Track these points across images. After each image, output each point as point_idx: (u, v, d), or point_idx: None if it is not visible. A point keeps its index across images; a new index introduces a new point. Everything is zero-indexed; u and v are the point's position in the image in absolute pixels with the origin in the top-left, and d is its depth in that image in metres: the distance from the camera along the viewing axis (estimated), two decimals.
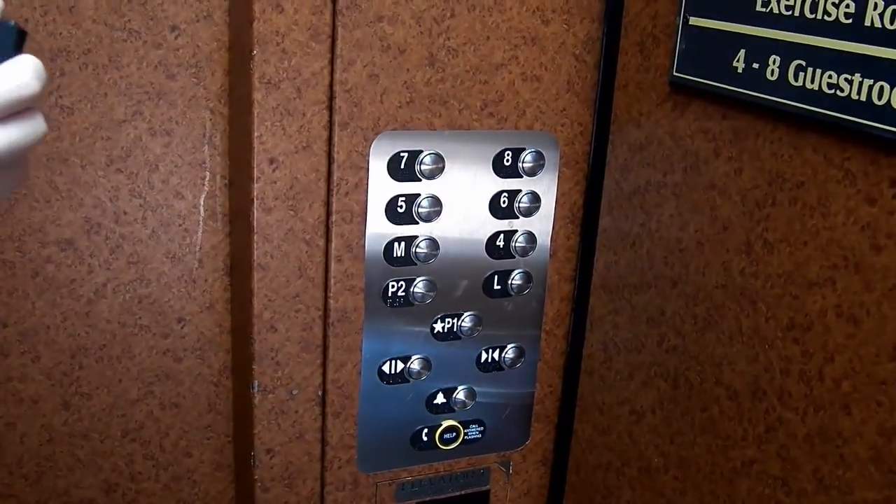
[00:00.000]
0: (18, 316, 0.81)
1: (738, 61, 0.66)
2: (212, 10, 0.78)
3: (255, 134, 0.73)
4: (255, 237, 0.75)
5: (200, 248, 0.84)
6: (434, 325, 0.84)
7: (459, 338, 0.85)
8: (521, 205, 0.83)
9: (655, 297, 0.77)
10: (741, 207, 0.67)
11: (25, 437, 0.84)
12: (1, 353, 0.81)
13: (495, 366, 0.88)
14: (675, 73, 0.72)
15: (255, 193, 0.74)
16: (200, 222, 0.84)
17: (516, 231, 0.84)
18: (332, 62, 0.73)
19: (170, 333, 0.86)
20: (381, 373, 0.83)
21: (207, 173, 0.82)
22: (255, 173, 0.74)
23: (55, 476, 0.86)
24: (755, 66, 0.64)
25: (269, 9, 0.70)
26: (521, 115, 0.80)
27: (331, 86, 0.74)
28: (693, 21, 0.70)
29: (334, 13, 0.72)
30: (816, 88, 0.59)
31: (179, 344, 0.86)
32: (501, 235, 0.83)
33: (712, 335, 0.71)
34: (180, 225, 0.83)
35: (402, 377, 0.84)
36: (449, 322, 0.84)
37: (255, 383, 0.80)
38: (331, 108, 0.74)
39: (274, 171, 0.74)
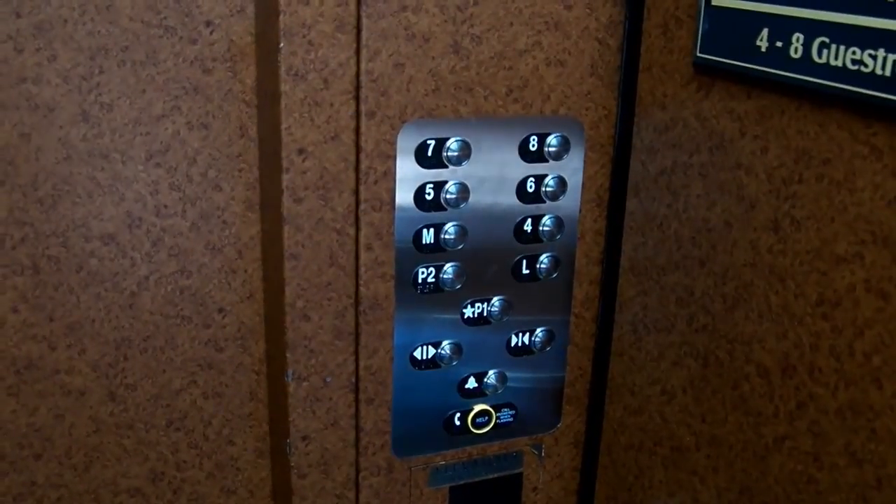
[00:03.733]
0: (64, 310, 0.82)
1: (761, 40, 0.66)
2: (245, 5, 0.79)
3: (284, 125, 0.74)
4: (286, 227, 0.77)
5: (239, 238, 0.85)
6: (464, 311, 0.85)
7: (489, 322, 0.86)
8: (547, 189, 0.83)
9: (684, 278, 0.78)
10: (768, 185, 0.67)
11: (73, 429, 0.86)
12: (48, 346, 0.83)
13: (525, 349, 0.88)
14: (698, 54, 0.72)
15: (285, 184, 0.75)
16: (238, 213, 0.85)
17: (544, 215, 0.84)
18: (357, 52, 0.74)
19: (211, 324, 0.87)
20: (412, 359, 0.84)
21: (244, 165, 0.83)
22: (285, 164, 0.75)
23: (102, 466, 0.88)
24: (778, 44, 0.64)
25: (294, 1, 0.71)
26: (546, 100, 0.81)
27: (357, 76, 0.75)
28: (715, 1, 0.70)
29: (359, 3, 0.73)
30: (840, 65, 0.59)
31: (221, 334, 0.88)
32: (529, 220, 0.84)
33: (741, 313, 0.71)
34: (219, 217, 0.84)
35: (434, 363, 0.85)
36: (478, 307, 0.85)
37: (290, 371, 0.81)
38: (357, 98, 0.75)
39: (303, 161, 0.75)
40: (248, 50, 0.80)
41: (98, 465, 0.88)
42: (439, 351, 0.85)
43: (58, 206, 0.80)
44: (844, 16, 0.59)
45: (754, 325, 0.70)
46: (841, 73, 0.59)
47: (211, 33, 0.79)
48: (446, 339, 0.85)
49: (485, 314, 0.85)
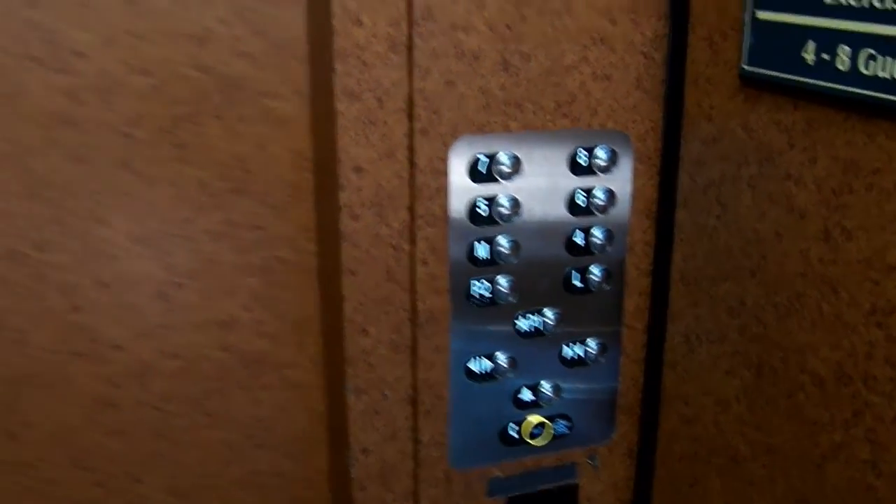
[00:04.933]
0: None
1: (807, 53, 0.67)
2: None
3: (340, 144, 0.76)
4: (344, 244, 0.79)
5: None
6: (517, 323, 0.86)
7: (542, 334, 0.87)
8: (597, 202, 0.85)
9: (735, 288, 0.78)
10: (817, 196, 0.68)
11: None
12: None
13: (578, 361, 0.89)
14: (744, 67, 0.73)
15: (342, 202, 0.78)
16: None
17: (593, 227, 0.85)
18: (410, 72, 0.76)
19: None
20: (468, 371, 0.86)
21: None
22: (342, 182, 0.77)
23: None
24: (825, 57, 0.65)
25: (348, 23, 0.73)
26: (594, 114, 0.82)
27: (410, 94, 0.77)
28: (760, 15, 0.71)
29: (410, 24, 0.75)
30: (888, 76, 0.60)
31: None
32: (579, 232, 0.85)
33: (794, 323, 0.72)
34: None
35: (489, 375, 0.87)
36: (531, 319, 0.86)
37: (349, 385, 0.83)
38: (411, 116, 0.77)
39: (359, 179, 0.77)
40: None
41: None
42: (494, 363, 0.86)
43: None
44: (890, 28, 0.59)
45: (807, 334, 0.71)
46: (888, 85, 0.60)
47: None
48: (501, 351, 0.86)
49: (538, 326, 0.87)
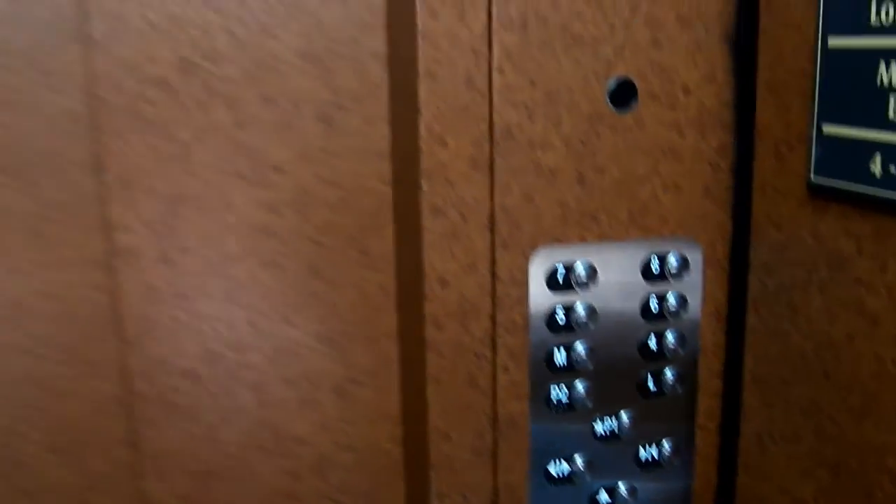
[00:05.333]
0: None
1: (874, 165, 0.70)
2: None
3: (426, 258, 0.80)
4: (429, 354, 0.82)
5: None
6: (594, 426, 0.88)
7: (618, 437, 0.89)
8: (669, 306, 0.88)
9: (809, 389, 0.80)
10: (888, 301, 0.71)
11: None
12: None
13: (654, 462, 0.91)
14: (812, 178, 0.77)
15: (427, 312, 0.81)
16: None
17: (666, 331, 0.88)
18: (491, 188, 0.80)
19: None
20: (547, 474, 0.88)
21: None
22: (427, 294, 0.81)
23: None
24: (892, 169, 0.69)
25: (434, 144, 0.78)
26: (665, 223, 0.86)
27: (491, 209, 0.81)
28: (826, 129, 0.75)
29: (492, 143, 0.80)
30: None
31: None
32: (653, 336, 0.88)
33: (870, 423, 0.74)
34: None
35: (567, 478, 0.89)
36: (607, 422, 0.89)
37: (433, 490, 0.85)
38: (492, 230, 0.81)
39: (444, 290, 0.81)
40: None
41: None
42: (572, 466, 0.88)
43: None
44: None
45: (884, 434, 0.72)
46: None
47: None
48: (578, 453, 0.88)
49: (614, 429, 0.89)
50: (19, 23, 0.78)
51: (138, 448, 0.88)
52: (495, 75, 0.79)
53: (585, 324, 0.85)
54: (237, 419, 0.90)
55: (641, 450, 0.91)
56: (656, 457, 0.91)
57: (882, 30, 0.69)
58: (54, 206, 0.82)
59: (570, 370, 0.86)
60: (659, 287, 0.87)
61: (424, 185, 0.79)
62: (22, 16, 0.78)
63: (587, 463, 0.89)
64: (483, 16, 0.79)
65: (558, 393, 0.86)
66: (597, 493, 0.90)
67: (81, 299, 0.84)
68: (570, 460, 0.88)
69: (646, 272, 0.87)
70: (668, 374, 0.89)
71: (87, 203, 0.82)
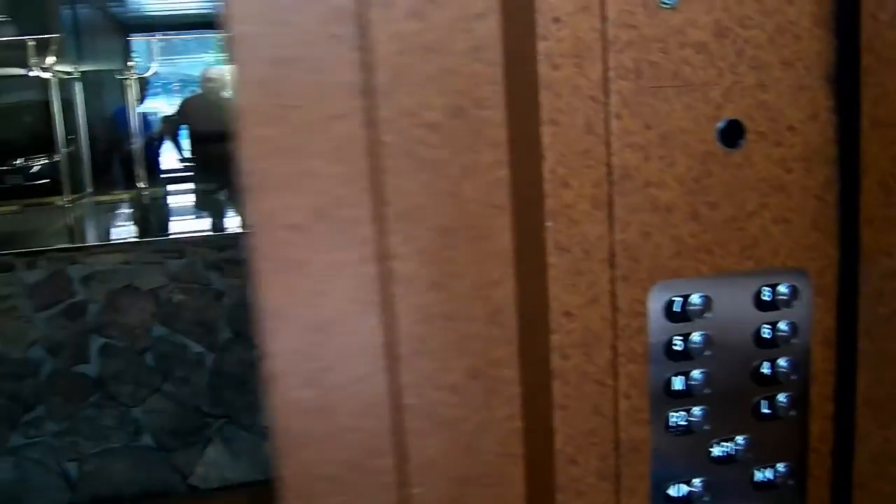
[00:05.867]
0: None
1: None
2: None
3: (551, 293, 0.85)
4: (555, 382, 0.87)
5: None
6: (710, 450, 0.92)
7: (734, 460, 0.93)
8: (780, 334, 0.92)
9: None
10: None
11: None
12: None
13: (769, 484, 0.95)
14: None
15: (554, 344, 0.86)
16: None
17: (778, 358, 0.92)
18: (611, 225, 0.85)
19: None
20: (667, 497, 0.92)
21: None
22: (552, 326, 0.86)
23: None
24: None
25: (558, 187, 0.84)
26: (776, 255, 0.90)
27: (611, 245, 0.86)
28: None
29: (611, 184, 0.85)
30: None
31: None
32: (766, 363, 0.92)
33: None
34: None
35: (687, 500, 0.92)
36: (724, 446, 0.92)
37: None
38: (612, 265, 0.86)
39: (569, 322, 0.86)
40: None
41: None
42: (691, 488, 0.92)
43: None
44: None
45: None
46: None
47: None
48: (696, 476, 0.92)
49: (730, 452, 0.93)
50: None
51: (405, 457, 0.95)
52: (613, 121, 0.85)
53: (702, 352, 0.89)
54: (493, 429, 0.97)
55: (756, 472, 0.94)
56: (771, 479, 0.95)
57: None
58: None
59: (688, 396, 0.90)
60: (771, 316, 0.91)
61: (549, 224, 0.84)
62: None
63: (705, 485, 0.92)
64: (600, 66, 0.84)
65: (677, 418, 0.90)
66: None
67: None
68: (688, 483, 0.92)
69: (758, 301, 0.91)
70: (781, 398, 0.93)
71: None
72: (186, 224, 6.94)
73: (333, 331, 0.93)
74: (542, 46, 0.84)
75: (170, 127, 6.77)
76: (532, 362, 0.94)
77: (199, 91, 7.07)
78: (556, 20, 0.84)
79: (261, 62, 0.88)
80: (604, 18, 0.84)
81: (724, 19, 0.86)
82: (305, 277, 0.92)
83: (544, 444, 0.92)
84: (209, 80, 6.73)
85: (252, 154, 0.89)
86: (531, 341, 0.93)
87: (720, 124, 0.87)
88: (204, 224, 6.60)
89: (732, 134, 0.87)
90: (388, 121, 0.90)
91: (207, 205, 6.64)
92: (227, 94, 6.68)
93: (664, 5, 0.85)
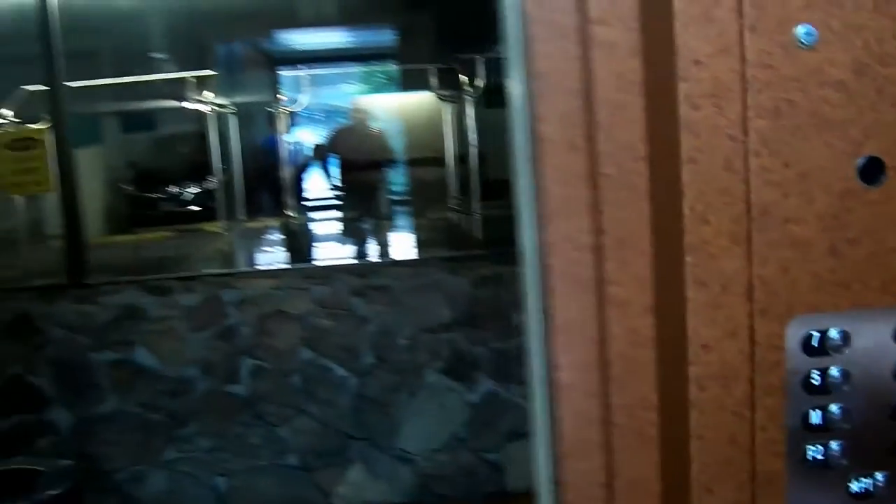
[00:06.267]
0: None
1: None
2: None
3: (690, 326, 0.88)
4: (693, 412, 0.89)
5: None
6: (849, 485, 0.93)
7: (873, 496, 0.93)
8: None
9: None
10: None
11: None
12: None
13: None
14: None
15: (692, 375, 0.89)
16: None
17: None
18: (749, 260, 0.88)
19: None
20: None
21: None
22: (691, 357, 0.89)
23: None
24: None
25: (697, 223, 0.87)
26: None
27: (749, 280, 0.88)
28: None
29: (749, 220, 0.87)
30: None
31: None
32: None
33: None
34: None
35: None
36: (863, 482, 0.93)
37: None
38: (751, 299, 0.88)
39: (706, 355, 0.89)
40: None
41: None
42: None
43: None
44: None
45: None
46: None
47: None
48: None
49: (869, 488, 0.93)
50: None
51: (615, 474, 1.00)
52: (752, 158, 0.87)
53: (840, 387, 0.90)
54: None
55: None
56: None
57: None
58: None
59: (826, 430, 0.91)
60: None
61: (689, 259, 0.87)
62: None
63: None
64: (738, 106, 0.87)
65: (814, 452, 0.91)
66: None
67: None
68: None
69: None
70: None
71: None
72: (331, 251, 7.17)
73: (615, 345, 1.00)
74: (682, 87, 0.87)
75: (319, 155, 7.02)
76: (664, 393, 0.97)
77: (347, 122, 7.31)
78: (697, 62, 0.87)
79: (561, 94, 0.97)
80: (743, 60, 0.87)
81: (864, 57, 0.88)
82: (594, 295, 1.00)
83: (678, 472, 0.95)
84: (358, 110, 6.95)
85: (552, 180, 0.98)
86: (669, 372, 0.96)
87: (860, 161, 0.88)
88: (347, 251, 6.81)
89: (872, 171, 0.88)
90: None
91: (351, 233, 6.84)
92: (374, 124, 6.91)
93: (802, 46, 0.87)
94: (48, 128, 3.84)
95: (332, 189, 7.09)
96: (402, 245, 6.98)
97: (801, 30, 0.87)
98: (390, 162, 7.33)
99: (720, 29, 0.87)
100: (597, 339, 0.99)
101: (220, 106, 6.33)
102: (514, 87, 1.10)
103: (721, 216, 0.87)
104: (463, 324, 3.49)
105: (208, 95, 5.24)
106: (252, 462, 3.57)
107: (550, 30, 0.97)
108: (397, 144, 7.60)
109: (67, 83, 3.85)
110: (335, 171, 7.03)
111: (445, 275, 3.56)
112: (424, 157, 8.10)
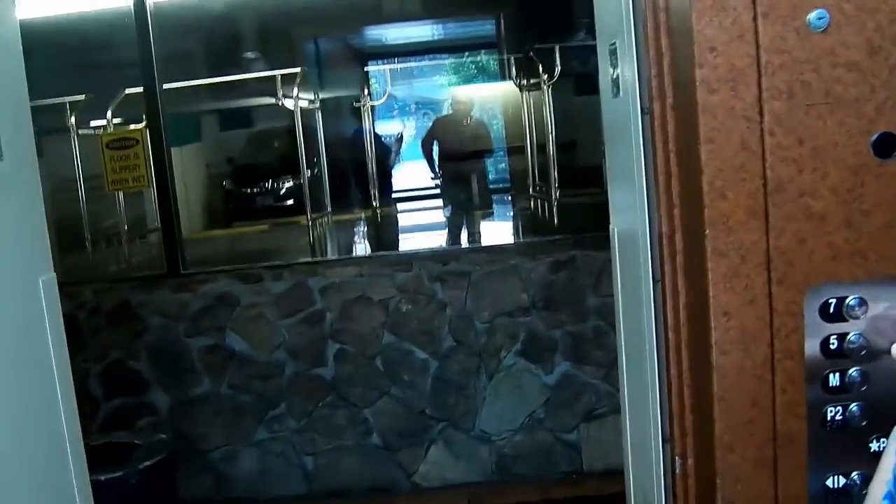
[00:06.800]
0: None
1: None
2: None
3: (711, 293, 0.94)
4: (716, 375, 0.96)
5: None
6: (870, 445, 0.97)
7: None
8: None
9: None
10: None
11: None
12: None
13: None
14: None
15: (714, 340, 0.95)
16: None
17: None
18: (767, 233, 0.94)
19: None
20: (825, 488, 0.98)
21: None
22: (713, 326, 0.95)
23: None
24: None
25: (716, 198, 0.93)
26: None
27: (767, 251, 0.94)
28: None
29: (765, 195, 0.93)
30: None
31: None
32: None
33: None
34: None
35: (845, 492, 0.98)
36: (883, 441, 0.97)
37: (719, 495, 0.98)
38: (769, 269, 0.94)
39: (727, 321, 0.95)
40: None
41: None
42: (849, 481, 0.98)
43: None
44: None
45: None
46: None
47: None
48: (854, 470, 0.98)
49: None
50: None
51: None
52: (767, 137, 0.93)
53: (858, 350, 0.95)
54: None
55: None
56: None
57: None
58: None
59: (844, 392, 0.96)
60: None
61: (708, 232, 0.93)
62: None
63: (864, 479, 0.97)
64: (754, 89, 0.93)
65: (834, 413, 0.96)
66: None
67: None
68: (846, 476, 0.98)
69: None
70: None
71: None
72: (417, 240, 7.30)
73: None
74: (699, 74, 0.94)
75: (422, 146, 7.13)
76: (697, 355, 1.04)
77: (449, 112, 7.41)
78: (713, 49, 0.93)
79: None
80: (757, 45, 0.93)
81: (876, 39, 0.92)
82: None
83: (707, 435, 1.01)
84: (458, 101, 7.04)
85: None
86: (692, 338, 1.02)
87: (873, 137, 0.93)
88: (435, 240, 6.92)
89: (885, 146, 0.93)
90: None
91: (443, 222, 6.94)
92: (475, 113, 7.00)
93: (815, 30, 0.92)
94: (144, 127, 4.04)
95: (432, 178, 7.20)
96: (491, 233, 7.04)
97: (813, 14, 0.93)
98: (488, 151, 7.40)
99: (734, 17, 0.93)
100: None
101: (308, 101, 6.50)
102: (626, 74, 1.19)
103: (739, 192, 0.93)
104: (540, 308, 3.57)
105: (296, 92, 5.41)
106: (337, 442, 3.70)
107: None
108: (491, 134, 7.67)
109: (164, 85, 4.03)
110: (435, 161, 7.13)
111: (523, 259, 3.64)
112: (512, 146, 8.19)
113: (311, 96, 6.41)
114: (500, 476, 3.70)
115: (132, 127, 4.51)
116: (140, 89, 4.05)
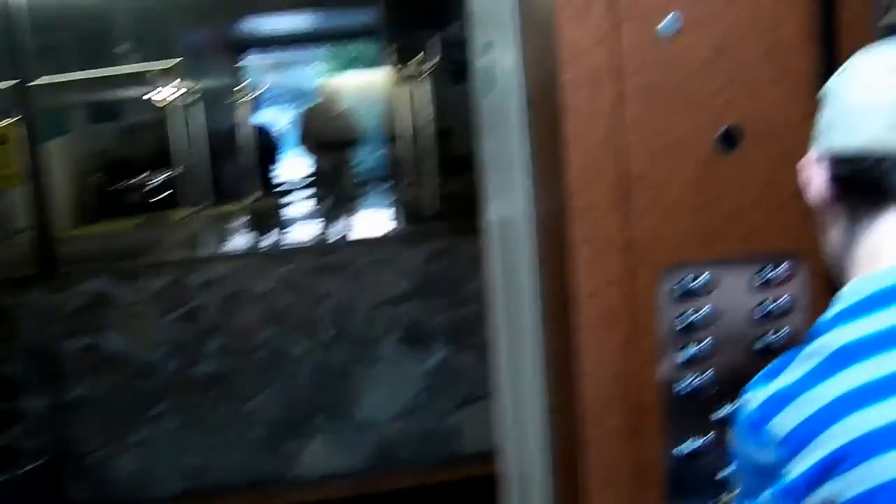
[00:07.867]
0: None
1: None
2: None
3: (580, 276, 1.03)
4: (582, 350, 1.04)
5: None
6: (717, 412, 1.07)
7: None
8: (776, 310, 1.06)
9: None
10: None
11: None
12: None
13: None
14: None
15: (581, 318, 1.04)
16: None
17: (773, 331, 1.07)
18: (626, 221, 1.02)
19: None
20: (680, 452, 1.07)
21: None
22: (580, 304, 1.03)
23: None
24: None
25: (581, 190, 1.02)
26: (771, 242, 1.05)
27: (627, 238, 1.03)
28: None
29: (625, 187, 1.02)
30: None
31: None
32: (763, 337, 1.07)
33: None
34: None
35: (698, 455, 1.07)
36: (728, 408, 1.07)
37: (589, 463, 1.07)
38: (628, 253, 1.03)
39: (592, 301, 1.03)
40: None
41: None
42: (701, 445, 1.07)
43: None
44: None
45: None
46: None
47: None
48: (705, 435, 1.08)
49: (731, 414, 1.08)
50: None
51: None
52: (627, 135, 1.02)
53: (705, 325, 1.05)
54: None
55: None
56: None
57: None
58: None
59: (696, 364, 1.06)
60: (767, 294, 1.06)
61: (575, 221, 1.02)
62: None
63: (714, 441, 1.07)
64: (614, 89, 1.02)
65: (687, 383, 1.06)
66: (722, 470, 1.09)
67: None
68: (699, 439, 1.07)
69: (756, 282, 1.06)
70: None
71: None
72: (296, 233, 7.27)
73: None
74: (564, 75, 1.02)
75: (299, 139, 7.08)
76: (560, 339, 1.12)
77: (315, 103, 7.38)
78: (576, 53, 1.02)
79: None
80: (616, 49, 1.01)
81: (723, 41, 1.02)
82: None
83: (568, 402, 1.09)
84: (326, 90, 7.03)
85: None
86: (556, 322, 1.10)
87: (720, 130, 1.03)
88: (313, 232, 6.91)
89: (729, 140, 1.03)
90: None
91: (319, 214, 6.93)
92: (343, 103, 6.99)
93: (668, 33, 1.02)
94: (13, 124, 3.92)
95: (304, 170, 7.17)
96: (366, 223, 7.07)
97: (666, 20, 1.02)
98: (357, 141, 7.41)
99: (596, 23, 1.01)
100: None
101: (184, 93, 6.41)
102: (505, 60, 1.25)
103: (601, 184, 1.02)
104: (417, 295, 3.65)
105: (172, 83, 5.34)
106: (219, 437, 3.70)
107: None
108: (365, 123, 7.68)
109: (35, 80, 3.93)
110: (305, 152, 7.10)
111: (401, 248, 3.71)
112: (387, 135, 8.24)
113: (186, 88, 6.33)
114: (382, 463, 3.77)
115: (1, 123, 4.37)
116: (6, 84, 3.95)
